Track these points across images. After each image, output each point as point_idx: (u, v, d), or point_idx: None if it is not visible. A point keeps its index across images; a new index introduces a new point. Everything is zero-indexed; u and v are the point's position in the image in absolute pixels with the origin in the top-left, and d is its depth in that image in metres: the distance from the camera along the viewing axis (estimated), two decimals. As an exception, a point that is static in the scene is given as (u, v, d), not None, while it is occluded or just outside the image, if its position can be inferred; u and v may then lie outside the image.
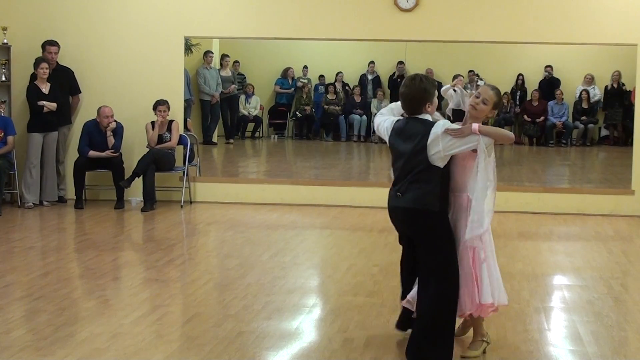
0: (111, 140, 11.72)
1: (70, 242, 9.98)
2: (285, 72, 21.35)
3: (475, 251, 5.60)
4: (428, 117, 5.57)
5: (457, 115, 12.32)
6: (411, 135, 5.51)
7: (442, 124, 5.45)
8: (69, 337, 5.96)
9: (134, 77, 12.16)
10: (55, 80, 11.79)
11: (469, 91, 20.47)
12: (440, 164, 5.44)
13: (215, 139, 18.96)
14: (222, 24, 12.23)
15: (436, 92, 5.59)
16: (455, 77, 14.83)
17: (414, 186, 5.48)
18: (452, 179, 5.58)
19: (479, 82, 20.45)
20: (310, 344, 5.96)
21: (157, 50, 12.13)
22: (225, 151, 18.30)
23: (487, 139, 5.43)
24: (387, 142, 5.73)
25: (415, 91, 5.53)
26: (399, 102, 5.83)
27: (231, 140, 19.39)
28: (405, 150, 5.52)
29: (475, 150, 5.43)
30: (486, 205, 5.52)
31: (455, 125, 5.49)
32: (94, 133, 11.76)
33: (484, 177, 5.47)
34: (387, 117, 5.85)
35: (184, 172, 11.98)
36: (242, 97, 20.37)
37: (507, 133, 5.76)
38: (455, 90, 12.82)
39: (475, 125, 5.41)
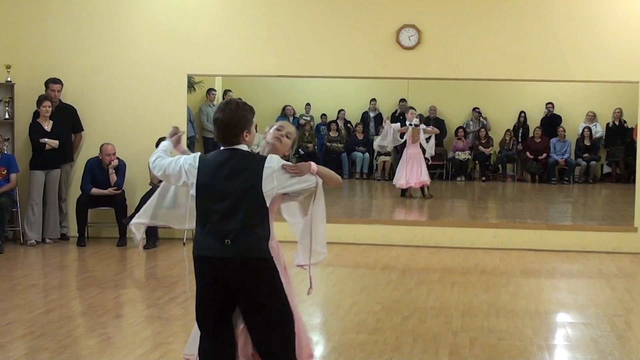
0: (114, 177, 11.74)
1: (72, 280, 9.96)
2: (284, 110, 21.41)
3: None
4: (245, 147, 4.96)
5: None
6: (240, 171, 4.85)
7: (276, 159, 4.90)
8: (71, 376, 5.94)
9: (137, 114, 12.21)
10: (58, 118, 11.83)
11: (472, 127, 20.56)
12: (269, 202, 4.89)
13: (218, 176, 18.95)
14: (224, 62, 12.29)
15: (254, 120, 4.99)
16: (406, 108, 14.51)
17: (248, 232, 4.82)
18: None
19: (482, 120, 20.62)
20: (313, 382, 5.92)
21: (160, 88, 12.19)
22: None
23: (320, 179, 4.99)
24: (194, 182, 4.96)
25: (232, 117, 4.89)
26: (166, 142, 5.41)
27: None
28: (232, 189, 4.81)
29: (286, 194, 4.98)
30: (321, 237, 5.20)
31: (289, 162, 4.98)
32: (97, 170, 11.79)
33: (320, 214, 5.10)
34: (172, 157, 5.20)
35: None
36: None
37: (338, 177, 5.16)
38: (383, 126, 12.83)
39: (314, 165, 4.95)
